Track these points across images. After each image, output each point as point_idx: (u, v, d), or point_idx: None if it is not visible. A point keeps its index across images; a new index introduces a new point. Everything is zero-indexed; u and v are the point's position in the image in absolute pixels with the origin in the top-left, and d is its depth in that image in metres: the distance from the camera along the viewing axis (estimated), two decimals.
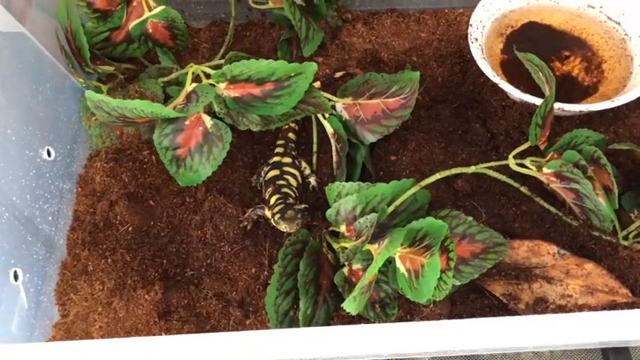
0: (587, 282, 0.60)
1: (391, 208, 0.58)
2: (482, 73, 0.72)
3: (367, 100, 0.66)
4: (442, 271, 0.48)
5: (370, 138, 0.66)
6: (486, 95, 0.74)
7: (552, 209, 0.64)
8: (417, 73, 0.65)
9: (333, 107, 0.67)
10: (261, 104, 0.59)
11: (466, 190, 0.67)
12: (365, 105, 0.66)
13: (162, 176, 0.69)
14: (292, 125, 0.70)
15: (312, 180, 0.68)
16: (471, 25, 0.74)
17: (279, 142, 0.69)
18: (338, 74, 0.75)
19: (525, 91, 0.68)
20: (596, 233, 0.63)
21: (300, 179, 0.67)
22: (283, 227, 0.60)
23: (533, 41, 0.77)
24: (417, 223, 0.52)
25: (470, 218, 0.56)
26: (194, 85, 0.59)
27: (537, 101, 0.66)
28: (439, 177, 0.59)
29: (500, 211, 0.66)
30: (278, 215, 0.61)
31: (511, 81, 0.72)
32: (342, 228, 0.59)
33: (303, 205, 0.65)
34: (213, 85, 0.58)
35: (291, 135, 0.70)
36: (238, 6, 0.78)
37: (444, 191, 0.67)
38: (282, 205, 0.61)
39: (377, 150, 0.70)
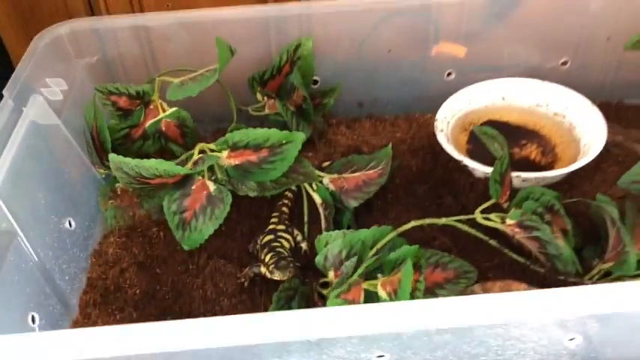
0: None
1: (372, 252, 0.65)
2: (451, 159, 0.83)
3: (350, 174, 0.77)
4: (416, 281, 0.54)
5: (354, 203, 0.75)
6: (455, 176, 0.84)
7: (520, 259, 0.71)
8: (390, 146, 0.76)
9: (321, 182, 0.77)
10: (257, 170, 0.69)
11: (443, 249, 0.74)
12: (348, 178, 0.76)
13: (169, 249, 0.77)
14: (285, 201, 0.80)
15: (304, 245, 0.75)
16: (437, 119, 0.87)
17: (274, 214, 0.78)
18: (325, 164, 0.86)
19: None
20: (562, 277, 0.69)
21: (292, 243, 0.75)
22: (277, 275, 0.67)
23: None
24: (394, 253, 0.59)
25: (442, 252, 0.63)
26: (201, 154, 0.70)
27: None
28: (414, 224, 0.67)
29: (474, 265, 0.72)
30: (272, 266, 0.67)
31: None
32: (331, 274, 0.66)
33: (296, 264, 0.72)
34: (216, 152, 0.69)
35: (284, 209, 0.79)
36: (239, 115, 0.92)
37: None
38: (275, 258, 0.69)
39: (361, 220, 0.79)
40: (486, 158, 0.84)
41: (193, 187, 0.69)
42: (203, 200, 0.69)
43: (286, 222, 0.77)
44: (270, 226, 0.76)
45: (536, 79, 0.91)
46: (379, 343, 0.50)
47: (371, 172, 0.76)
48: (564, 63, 0.94)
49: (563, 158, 0.85)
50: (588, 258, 0.71)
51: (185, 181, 0.69)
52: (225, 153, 0.69)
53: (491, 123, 0.91)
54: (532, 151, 0.87)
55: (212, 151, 0.71)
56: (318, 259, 0.65)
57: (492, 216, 0.70)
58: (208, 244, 0.76)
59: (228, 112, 0.89)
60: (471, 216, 0.70)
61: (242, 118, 0.94)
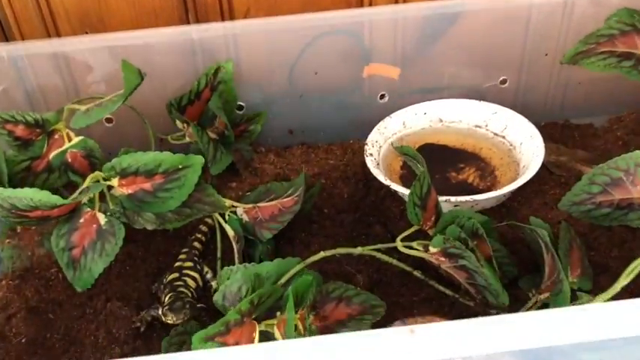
0: None
1: (267, 288, 0.58)
2: (383, 186, 0.77)
3: (266, 203, 0.70)
4: (302, 319, 0.47)
5: (267, 235, 0.68)
6: (387, 203, 0.78)
7: (448, 292, 0.64)
8: (303, 174, 0.70)
9: (234, 212, 0.70)
10: (153, 199, 0.63)
11: (365, 284, 0.67)
12: (263, 207, 0.70)
13: (67, 292, 0.69)
14: (199, 235, 0.73)
15: (214, 284, 0.68)
16: (367, 143, 0.81)
17: (184, 250, 0.71)
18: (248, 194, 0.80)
19: None
20: (494, 311, 0.62)
21: (200, 282, 0.68)
22: (169, 318, 0.59)
23: (431, 158, 0.84)
24: (291, 287, 0.52)
25: (347, 285, 0.55)
26: (89, 183, 0.63)
27: None
28: (323, 255, 0.60)
29: (400, 300, 0.65)
30: (166, 307, 0.60)
31: None
32: None
33: (199, 305, 0.64)
34: (105, 179, 0.62)
35: (196, 244, 0.72)
36: (160, 145, 0.86)
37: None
38: (172, 298, 0.61)
39: (282, 253, 0.72)
40: None
41: (81, 221, 0.63)
42: (93, 235, 0.62)
43: (196, 258, 0.70)
44: (177, 264, 0.69)
45: (474, 100, 0.86)
46: None
47: (287, 199, 0.69)
48: (503, 82, 0.89)
49: (503, 181, 0.79)
50: (525, 288, 0.64)
51: (73, 213, 0.63)
52: (115, 181, 0.63)
53: (429, 147, 0.86)
54: (470, 175, 0.81)
55: (105, 179, 0.64)
56: (217, 298, 0.58)
57: (415, 244, 0.63)
58: (108, 285, 0.69)
59: (149, 141, 0.84)
60: (391, 244, 0.64)
61: (164, 148, 0.88)
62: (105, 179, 0.62)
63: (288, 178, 0.84)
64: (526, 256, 0.69)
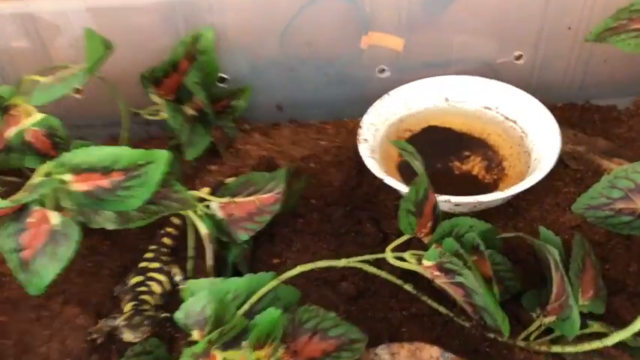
0: None
1: (246, 307, 0.51)
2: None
3: (244, 198, 0.62)
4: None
5: (243, 236, 0.61)
6: (381, 196, 0.70)
7: (442, 309, 0.57)
8: (285, 170, 0.62)
9: (208, 207, 0.63)
10: (112, 197, 0.55)
11: (351, 292, 0.61)
12: (241, 203, 0.62)
13: (23, 290, 0.63)
14: (169, 229, 0.66)
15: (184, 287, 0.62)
16: (361, 126, 0.72)
17: (152, 247, 0.64)
18: (228, 180, 0.72)
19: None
20: (492, 335, 0.55)
21: (167, 287, 0.61)
22: (126, 336, 0.53)
23: (434, 143, 0.75)
24: (259, 317, 0.45)
25: (324, 312, 0.48)
26: (39, 179, 0.56)
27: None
28: (301, 270, 0.53)
29: (388, 315, 0.59)
30: (123, 323, 0.54)
31: (408, 182, 0.68)
32: (196, 335, 0.52)
33: (163, 315, 0.58)
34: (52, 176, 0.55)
35: (166, 239, 0.65)
36: (135, 119, 0.78)
37: (326, 294, 0.61)
38: (132, 312, 0.55)
39: (259, 252, 0.65)
40: None
41: (30, 220, 0.55)
42: (43, 237, 0.55)
43: (164, 257, 0.63)
44: (142, 264, 0.62)
45: (485, 77, 0.77)
46: None
47: (267, 196, 0.62)
48: (518, 57, 0.79)
49: (511, 174, 0.71)
50: (528, 307, 0.57)
51: (21, 212, 0.56)
52: (68, 176, 0.55)
53: (432, 129, 0.77)
54: (475, 165, 0.72)
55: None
56: (178, 316, 0.51)
57: (407, 255, 0.56)
58: (68, 284, 0.63)
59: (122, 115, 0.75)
60: (379, 255, 0.56)
61: (140, 123, 0.80)
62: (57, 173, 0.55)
63: (274, 161, 0.76)
64: (532, 265, 0.61)
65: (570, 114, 0.80)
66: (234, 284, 0.51)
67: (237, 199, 0.63)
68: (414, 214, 0.56)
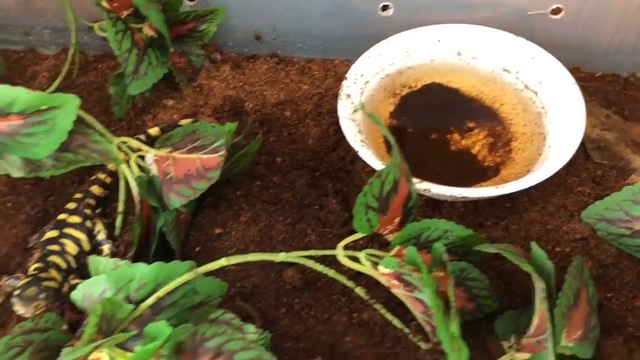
0: None
1: (151, 300, 0.42)
2: None
3: (184, 155, 0.52)
4: None
5: (175, 202, 0.51)
6: (357, 165, 0.59)
7: (397, 322, 0.47)
8: (229, 126, 0.51)
9: (142, 158, 0.53)
10: (12, 143, 0.45)
11: (296, 282, 0.51)
12: (180, 160, 0.52)
13: None
14: (101, 176, 0.56)
15: (106, 248, 0.53)
16: (347, 77, 0.60)
17: (76, 195, 0.55)
18: (184, 122, 0.62)
19: (417, 169, 0.52)
20: None
21: (86, 246, 0.52)
22: (17, 309, 0.45)
23: (434, 107, 0.63)
24: (151, 326, 0.36)
25: (232, 331, 0.39)
26: None
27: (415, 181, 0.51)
28: (225, 263, 0.43)
29: (334, 317, 0.49)
30: (17, 292, 0.46)
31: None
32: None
33: (74, 281, 0.50)
34: None
35: (95, 189, 0.55)
36: (86, 34, 0.67)
37: (269, 281, 0.51)
38: (29, 279, 0.47)
39: (200, 219, 0.55)
40: (415, 143, 0.59)
41: None
42: None
43: (87, 211, 0.54)
44: (62, 215, 0.53)
45: (509, 32, 0.62)
46: None
47: (212, 156, 0.51)
48: (556, 11, 0.64)
49: (517, 160, 0.58)
50: (501, 334, 0.47)
51: None
52: None
53: (436, 88, 0.64)
54: (478, 142, 0.60)
55: None
56: (75, 296, 0.43)
57: (362, 256, 0.46)
58: None
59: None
60: (330, 251, 0.46)
61: (93, 38, 0.68)
62: None
63: (241, 104, 0.64)
64: (521, 276, 0.51)
65: (609, 87, 0.66)
66: (140, 271, 0.42)
67: (176, 154, 0.52)
68: (375, 210, 0.45)
